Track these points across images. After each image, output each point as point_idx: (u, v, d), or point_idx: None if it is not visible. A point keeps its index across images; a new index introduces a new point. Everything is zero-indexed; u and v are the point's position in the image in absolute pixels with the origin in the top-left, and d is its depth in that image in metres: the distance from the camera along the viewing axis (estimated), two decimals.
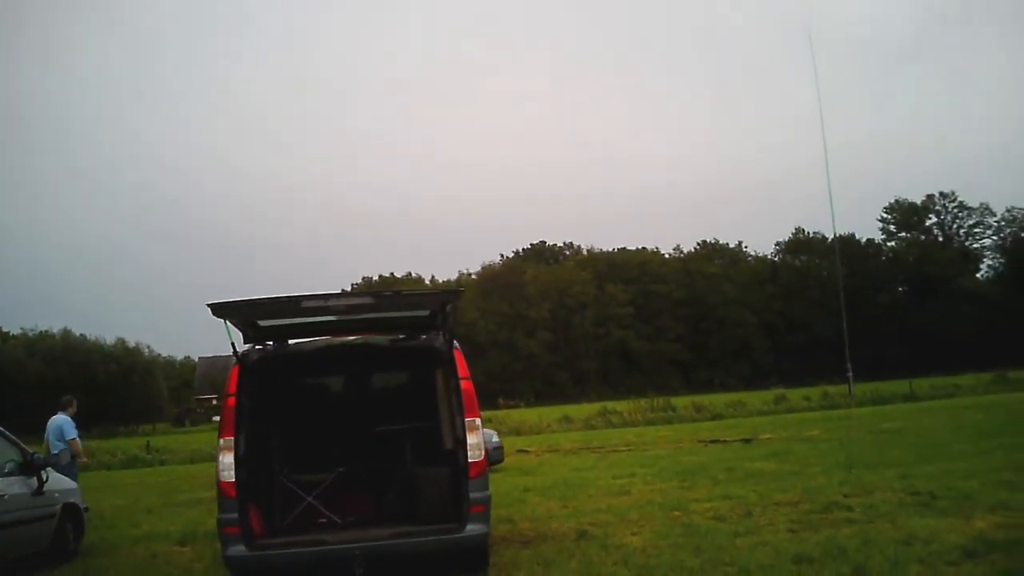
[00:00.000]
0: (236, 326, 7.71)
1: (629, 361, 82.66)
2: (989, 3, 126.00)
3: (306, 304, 7.24)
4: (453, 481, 8.07)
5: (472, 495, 7.60)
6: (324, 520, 8.64)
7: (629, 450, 23.11)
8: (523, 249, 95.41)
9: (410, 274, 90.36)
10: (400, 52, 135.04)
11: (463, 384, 7.82)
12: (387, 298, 8.18)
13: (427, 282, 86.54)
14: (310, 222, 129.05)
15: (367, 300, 7.93)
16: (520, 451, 24.77)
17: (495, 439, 20.65)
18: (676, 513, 11.06)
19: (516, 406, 52.35)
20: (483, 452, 7.77)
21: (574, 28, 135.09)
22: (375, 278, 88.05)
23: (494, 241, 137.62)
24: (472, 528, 7.56)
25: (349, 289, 65.56)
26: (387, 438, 9.08)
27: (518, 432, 34.20)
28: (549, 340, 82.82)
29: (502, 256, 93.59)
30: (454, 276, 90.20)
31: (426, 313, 8.08)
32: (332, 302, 7.43)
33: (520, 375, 76.52)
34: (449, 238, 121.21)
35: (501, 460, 20.45)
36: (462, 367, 7.87)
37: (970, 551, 7.56)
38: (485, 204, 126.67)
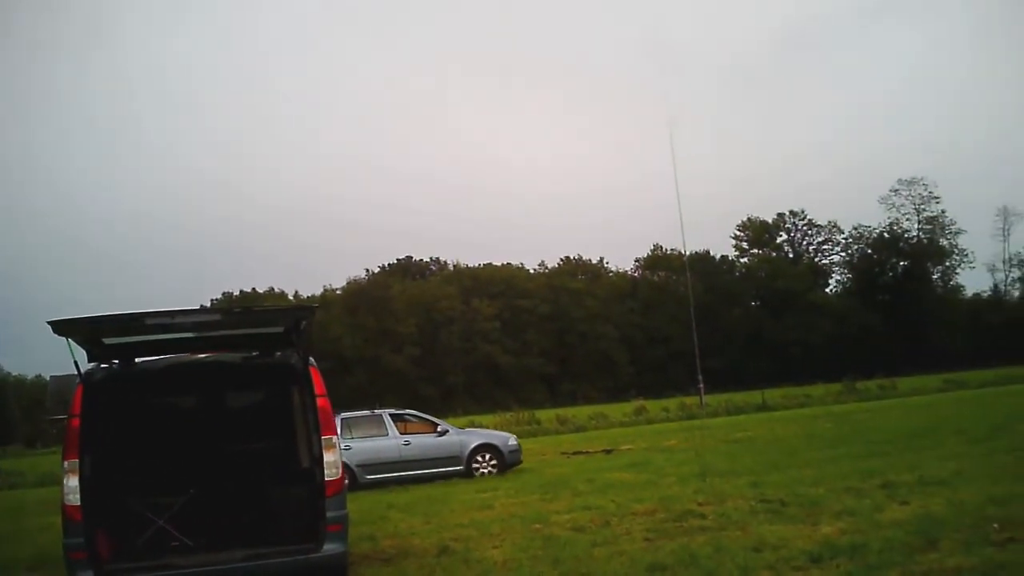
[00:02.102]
0: (79, 344, 7.43)
1: (495, 375, 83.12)
2: (833, 31, 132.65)
3: (150, 321, 7.04)
4: (309, 500, 7.96)
5: (329, 514, 7.52)
6: (176, 543, 8.37)
7: None
8: (389, 264, 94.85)
9: (272, 289, 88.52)
10: (264, 59, 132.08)
11: (319, 402, 7.73)
12: (237, 315, 8.04)
13: (291, 297, 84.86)
14: (169, 235, 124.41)
15: (216, 317, 7.76)
16: None
17: (512, 441, 20.78)
18: (537, 525, 11.19)
19: None
20: (340, 470, 7.70)
21: (444, 38, 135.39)
22: (236, 293, 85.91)
23: (360, 256, 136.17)
24: (329, 547, 7.48)
25: (208, 305, 63.79)
26: (241, 458, 8.87)
27: None
28: (416, 355, 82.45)
29: (368, 271, 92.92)
30: (319, 291, 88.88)
31: (280, 330, 7.95)
32: (179, 319, 7.23)
33: (387, 391, 75.54)
34: (313, 253, 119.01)
35: (520, 462, 20.59)
36: (318, 384, 7.78)
37: (816, 556, 7.88)
38: (351, 218, 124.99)
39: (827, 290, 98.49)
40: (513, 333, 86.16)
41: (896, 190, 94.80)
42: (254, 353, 8.41)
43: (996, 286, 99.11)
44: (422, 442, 19.76)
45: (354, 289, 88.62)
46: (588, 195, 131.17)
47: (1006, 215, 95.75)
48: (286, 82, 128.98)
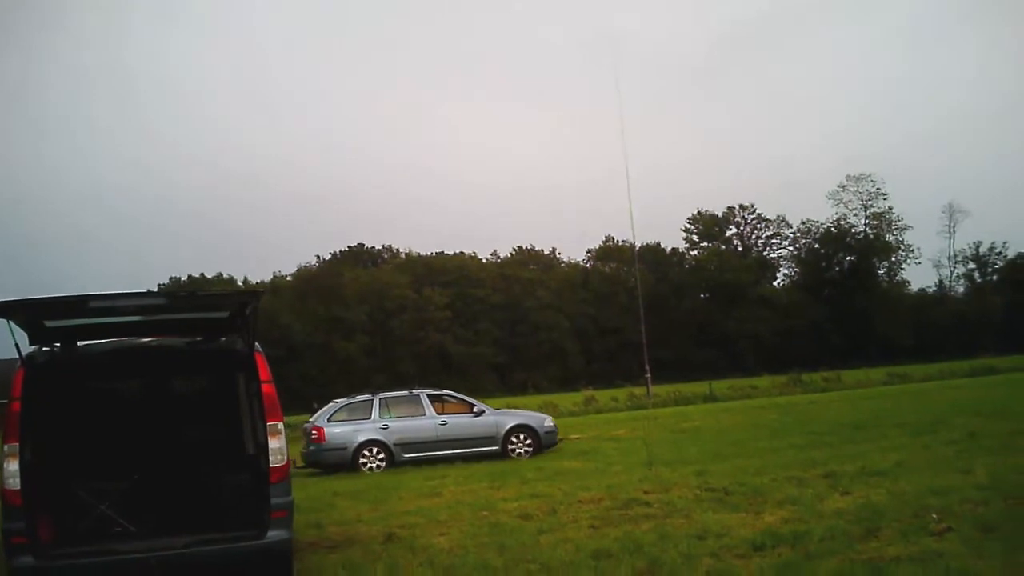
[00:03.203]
0: (20, 326, 7.29)
1: (447, 364, 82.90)
2: (782, 27, 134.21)
3: (94, 304, 6.92)
4: (254, 487, 7.88)
5: (274, 500, 7.44)
6: (119, 529, 8.25)
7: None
8: (340, 251, 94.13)
9: (221, 275, 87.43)
10: (208, 45, 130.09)
11: (264, 388, 7.64)
12: (182, 299, 7.92)
13: (240, 283, 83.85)
14: (116, 219, 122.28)
15: (160, 301, 7.65)
16: None
17: (548, 423, 20.85)
18: (484, 513, 11.21)
19: None
20: (285, 457, 7.62)
21: (392, 30, 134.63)
22: (184, 278, 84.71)
23: (310, 243, 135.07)
24: (274, 534, 7.40)
25: (155, 289, 62.85)
26: (185, 443, 8.76)
27: None
28: (367, 343, 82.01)
29: (318, 258, 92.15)
30: (268, 278, 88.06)
31: (225, 315, 7.85)
32: (122, 302, 7.12)
33: (337, 378, 75.14)
34: (263, 239, 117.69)
35: (556, 443, 20.64)
36: (264, 370, 7.70)
37: (758, 544, 7.97)
38: (302, 205, 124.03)
39: (775, 283, 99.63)
40: (465, 322, 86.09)
41: (844, 186, 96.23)
42: (199, 338, 8.30)
43: (941, 282, 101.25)
44: (458, 422, 19.95)
45: (304, 276, 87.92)
46: (541, 186, 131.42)
47: (951, 212, 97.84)
48: (233, 70, 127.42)
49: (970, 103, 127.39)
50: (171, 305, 7.71)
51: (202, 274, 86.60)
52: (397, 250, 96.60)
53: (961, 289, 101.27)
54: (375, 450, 19.21)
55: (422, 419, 19.78)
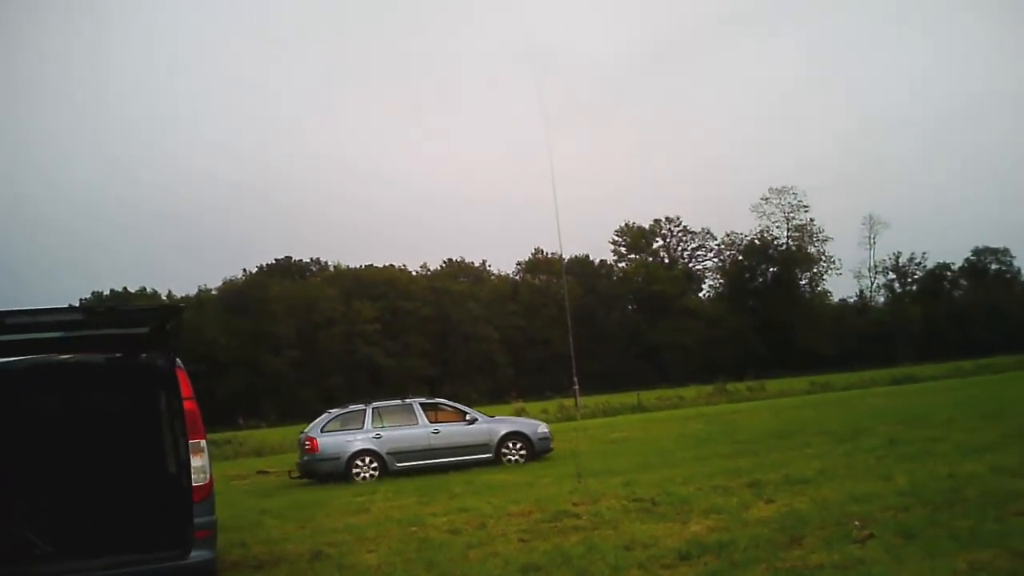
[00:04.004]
0: None
1: (376, 377, 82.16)
2: (707, 42, 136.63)
3: (11, 320, 6.70)
4: (176, 506, 7.70)
5: (196, 520, 7.30)
6: (38, 550, 8.00)
7: None
8: (267, 264, 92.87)
9: (145, 289, 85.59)
10: (115, 60, 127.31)
11: (186, 405, 7.49)
12: (101, 314, 7.72)
13: (164, 297, 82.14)
14: (37, 231, 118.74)
15: (79, 316, 7.44)
16: (260, 472, 24.05)
17: (542, 429, 20.80)
18: (413, 528, 11.12)
19: (258, 426, 50.63)
20: (208, 475, 7.47)
21: (327, 40, 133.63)
22: (107, 292, 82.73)
23: (237, 256, 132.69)
24: (197, 554, 7.26)
25: (76, 304, 61.19)
26: (106, 462, 8.53)
27: (259, 453, 33.14)
28: (295, 357, 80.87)
29: (245, 271, 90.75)
30: (193, 291, 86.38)
31: (146, 330, 7.68)
32: (41, 318, 6.91)
33: (264, 393, 74.09)
34: (188, 252, 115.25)
35: (550, 450, 20.52)
36: (185, 387, 7.54)
37: (685, 554, 8.03)
38: (228, 218, 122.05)
39: (700, 295, 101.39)
40: (394, 335, 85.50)
41: (767, 198, 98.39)
42: (119, 354, 8.10)
43: (862, 292, 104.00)
44: (451, 430, 19.95)
45: (230, 289, 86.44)
46: (471, 199, 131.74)
47: (871, 224, 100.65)
48: (140, 80, 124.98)
49: (888, 115, 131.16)
50: (90, 321, 7.52)
51: (125, 288, 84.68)
52: (325, 263, 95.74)
53: (881, 299, 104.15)
54: (368, 460, 19.26)
55: (414, 428, 19.82)
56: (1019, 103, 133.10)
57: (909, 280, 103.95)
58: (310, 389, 78.68)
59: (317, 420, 20.65)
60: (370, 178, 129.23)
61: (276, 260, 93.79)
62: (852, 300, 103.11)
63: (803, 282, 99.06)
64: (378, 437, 19.40)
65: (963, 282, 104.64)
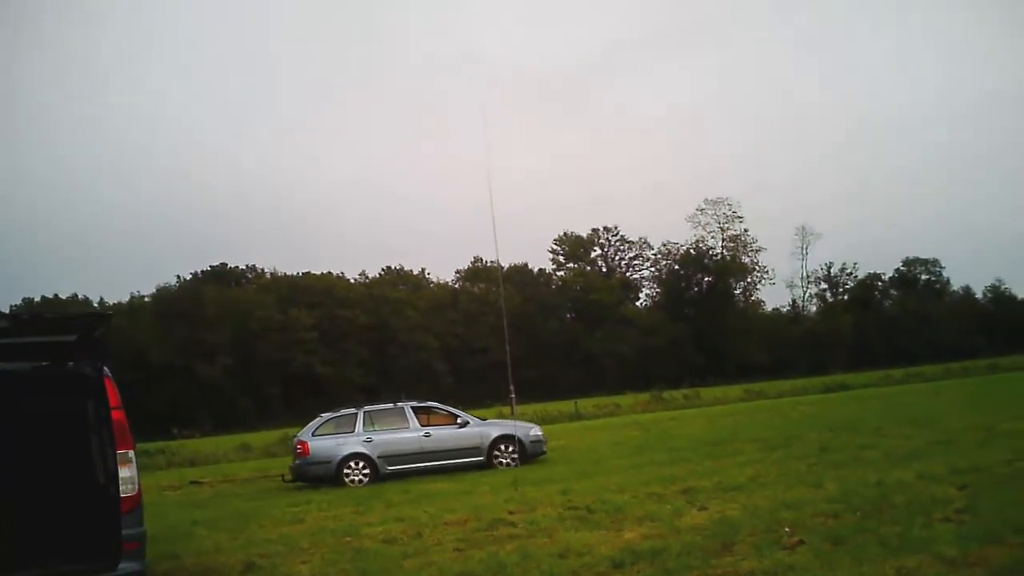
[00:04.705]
0: None
1: (314, 386, 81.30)
2: (645, 53, 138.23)
3: None
4: (104, 518, 7.54)
5: (125, 531, 7.16)
6: None
7: None
8: (202, 271, 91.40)
9: (76, 296, 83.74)
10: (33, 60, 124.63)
11: (114, 414, 7.35)
12: (26, 322, 7.52)
13: (95, 304, 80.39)
14: None
15: (3, 324, 7.25)
16: (193, 483, 23.65)
17: (534, 432, 20.72)
18: (347, 539, 11.04)
19: (192, 435, 49.82)
20: (136, 486, 7.34)
21: (265, 45, 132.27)
22: (37, 299, 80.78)
23: (171, 263, 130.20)
24: (126, 566, 7.13)
25: (4, 312, 59.57)
26: (31, 473, 8.31)
27: (193, 463, 32.58)
28: (230, 366, 79.75)
29: (179, 278, 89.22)
30: (126, 299, 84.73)
31: (73, 338, 7.51)
32: None
33: (199, 403, 72.90)
34: (121, 259, 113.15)
35: (543, 452, 20.56)
36: (113, 396, 7.39)
37: (618, 561, 8.10)
38: (162, 224, 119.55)
39: (637, 303, 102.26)
40: (332, 343, 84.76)
41: (702, 209, 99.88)
42: (45, 363, 7.91)
43: (794, 302, 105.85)
44: (442, 434, 19.90)
45: (164, 296, 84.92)
46: (411, 207, 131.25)
47: (804, 234, 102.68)
48: (69, 85, 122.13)
49: (821, 128, 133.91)
50: (15, 328, 7.33)
51: (56, 295, 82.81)
52: (262, 270, 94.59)
53: (813, 308, 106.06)
54: (359, 463, 19.20)
55: (405, 431, 19.75)
56: (950, 115, 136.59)
57: (841, 290, 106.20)
58: (246, 397, 77.70)
59: (310, 424, 20.55)
60: (308, 185, 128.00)
61: (211, 267, 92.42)
62: (785, 310, 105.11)
63: (737, 292, 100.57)
64: (369, 441, 19.35)
65: (893, 292, 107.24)
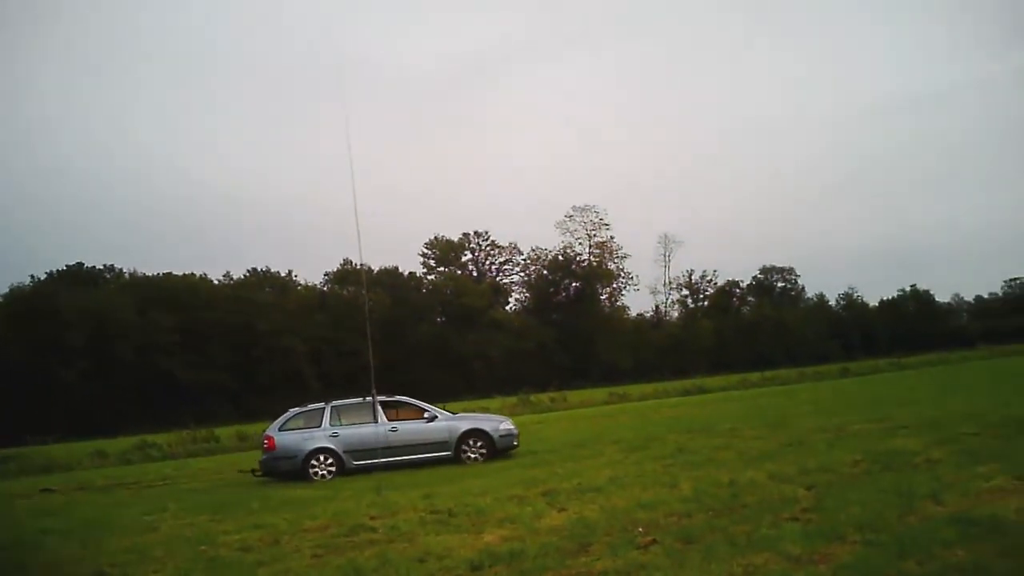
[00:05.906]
0: None
1: (175, 391, 78.75)
2: (521, 58, 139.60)
3: None
4: None
5: None
6: None
7: (165, 484, 22.10)
8: (57, 271, 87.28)
9: None
10: None
11: None
12: None
13: None
14: None
15: None
16: (44, 490, 22.62)
17: (504, 426, 20.39)
18: (203, 547, 10.78)
19: (44, 441, 47.52)
20: None
21: (135, 40, 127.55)
22: None
23: (24, 262, 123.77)
24: None
25: None
26: None
27: (46, 469, 31.13)
28: (87, 369, 76.38)
29: (33, 278, 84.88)
30: None
31: None
32: None
33: (53, 407, 69.64)
34: None
35: (513, 447, 20.27)
36: None
37: (477, 564, 8.18)
38: (14, 221, 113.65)
39: (507, 308, 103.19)
40: (195, 346, 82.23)
41: (571, 216, 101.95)
42: None
43: (657, 307, 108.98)
44: (410, 428, 19.75)
45: (17, 297, 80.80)
46: (279, 207, 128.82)
47: (667, 242, 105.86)
48: None
49: (688, 138, 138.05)
50: None
51: None
52: (120, 270, 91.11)
53: (675, 314, 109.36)
54: (325, 458, 19.08)
55: (372, 426, 19.60)
56: (814, 125, 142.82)
57: (701, 296, 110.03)
58: (104, 402, 74.67)
59: (279, 418, 20.28)
60: (169, 183, 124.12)
61: (67, 266, 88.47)
62: (648, 315, 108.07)
63: (603, 297, 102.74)
64: (335, 435, 19.29)
65: (751, 299, 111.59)
